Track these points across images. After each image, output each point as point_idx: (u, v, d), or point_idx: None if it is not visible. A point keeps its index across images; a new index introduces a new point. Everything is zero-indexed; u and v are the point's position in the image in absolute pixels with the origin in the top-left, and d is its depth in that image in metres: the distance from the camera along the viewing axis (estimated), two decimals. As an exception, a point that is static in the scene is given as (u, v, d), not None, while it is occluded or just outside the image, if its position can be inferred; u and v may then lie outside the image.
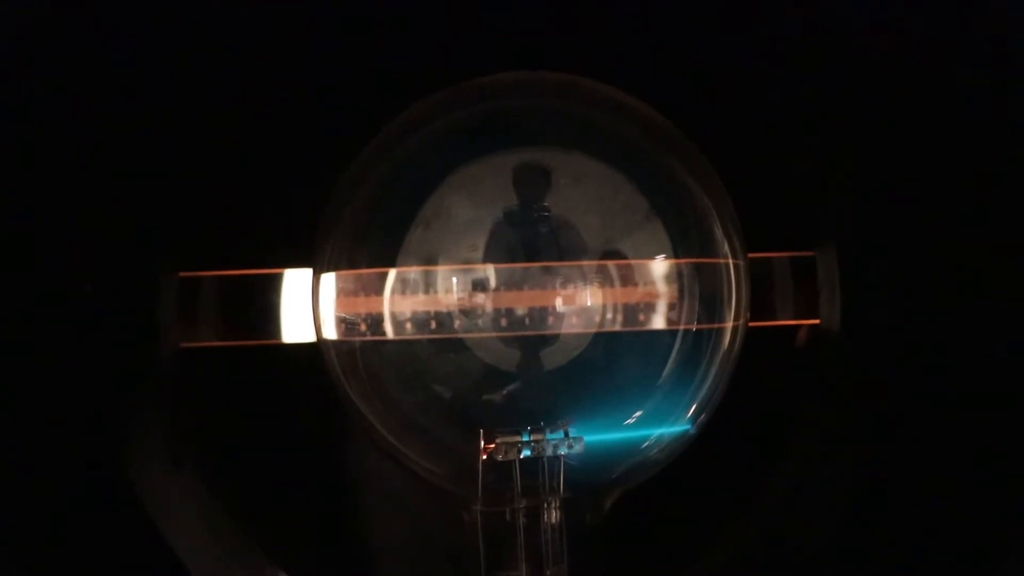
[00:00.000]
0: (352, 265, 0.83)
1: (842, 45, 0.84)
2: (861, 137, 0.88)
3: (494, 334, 0.79)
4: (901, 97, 0.84)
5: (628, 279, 0.80)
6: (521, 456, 0.78)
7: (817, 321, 0.93)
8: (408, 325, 0.80)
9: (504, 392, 0.80)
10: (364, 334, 0.82)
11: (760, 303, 0.91)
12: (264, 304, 0.91)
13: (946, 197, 0.85)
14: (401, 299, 0.80)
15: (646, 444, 0.83)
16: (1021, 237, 0.80)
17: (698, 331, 0.82)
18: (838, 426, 0.93)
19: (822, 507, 0.92)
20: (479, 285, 0.79)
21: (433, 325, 0.80)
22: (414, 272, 0.80)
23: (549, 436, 0.78)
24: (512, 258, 0.79)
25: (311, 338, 0.87)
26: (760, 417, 0.91)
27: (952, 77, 0.80)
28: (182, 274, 0.91)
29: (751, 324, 0.87)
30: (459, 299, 0.79)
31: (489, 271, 0.79)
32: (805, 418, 0.94)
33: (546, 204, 0.79)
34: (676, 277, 0.81)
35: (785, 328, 0.94)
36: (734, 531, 0.93)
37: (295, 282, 0.91)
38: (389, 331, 0.81)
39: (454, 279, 0.79)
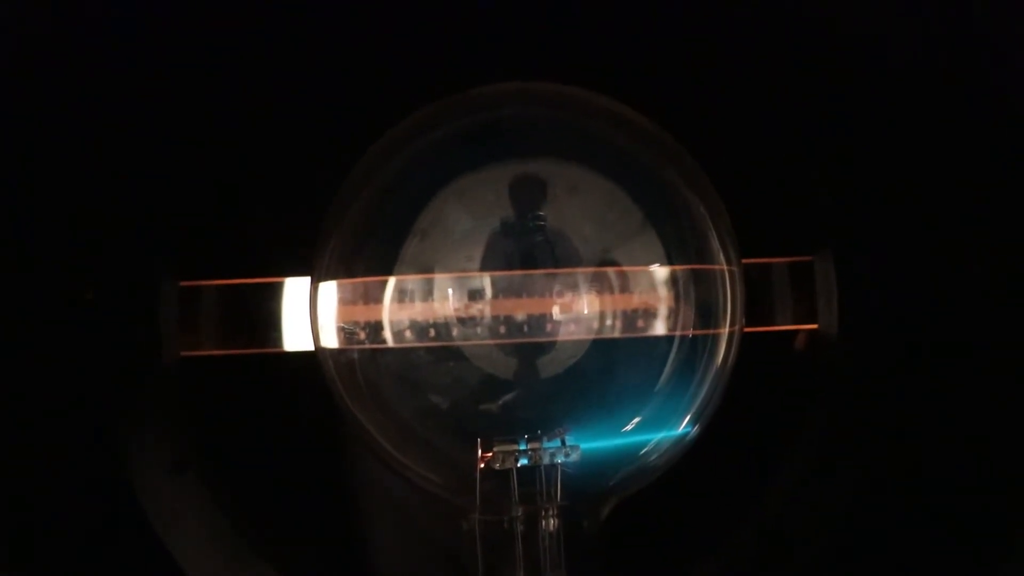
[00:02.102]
0: (350, 274, 0.83)
1: (838, 50, 0.84)
2: (858, 142, 0.88)
3: (492, 341, 0.79)
4: (898, 101, 0.84)
5: (624, 286, 0.80)
6: (518, 465, 0.78)
7: (815, 326, 0.93)
8: (406, 334, 0.80)
9: (501, 401, 0.80)
10: (362, 343, 0.82)
11: (758, 308, 0.91)
12: (264, 313, 0.92)
13: (943, 201, 0.85)
14: (399, 308, 0.81)
15: (643, 451, 0.83)
16: (1018, 240, 0.80)
17: (694, 337, 0.82)
18: (837, 430, 0.93)
19: (821, 512, 0.92)
20: (477, 293, 0.79)
21: (432, 334, 0.80)
22: (412, 281, 0.80)
23: (546, 444, 0.78)
24: (509, 267, 0.79)
25: (311, 346, 0.87)
26: (759, 422, 0.91)
27: (949, 80, 0.80)
28: (182, 283, 0.91)
29: (750, 329, 0.87)
30: (456, 308, 0.79)
31: (487, 279, 0.79)
32: (804, 422, 0.94)
33: (542, 213, 0.79)
34: (672, 284, 0.81)
35: (783, 333, 0.94)
36: (732, 537, 0.93)
37: (296, 291, 0.91)
38: (387, 340, 0.81)
39: (451, 288, 0.80)
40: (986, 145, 0.80)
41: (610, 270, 0.80)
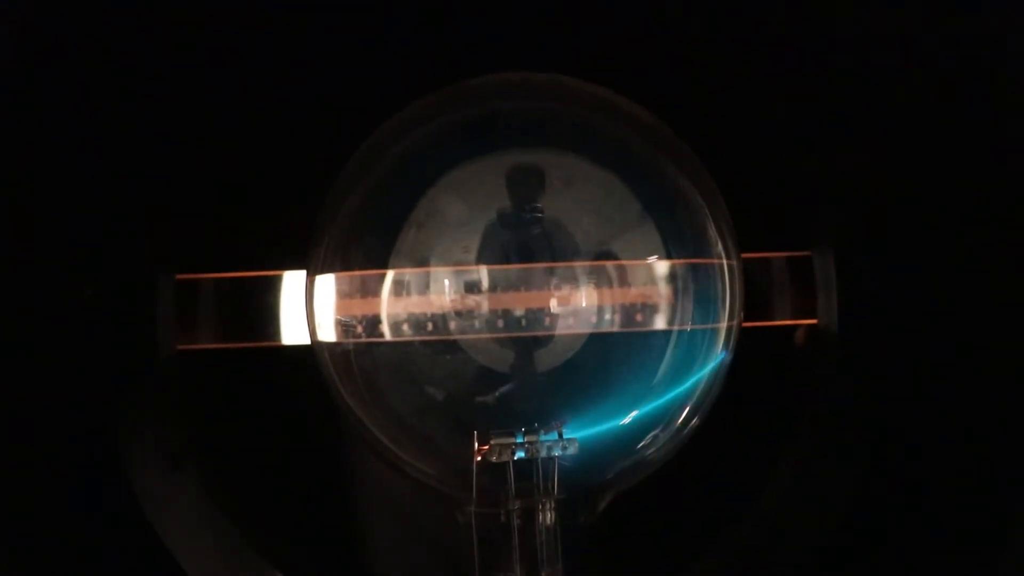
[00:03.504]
0: (346, 267, 0.83)
1: (837, 47, 0.84)
2: (858, 138, 0.88)
3: (489, 335, 0.79)
4: (898, 98, 0.84)
5: (622, 280, 0.80)
6: (515, 458, 0.78)
7: (815, 321, 0.93)
8: (403, 327, 0.80)
9: (498, 394, 0.80)
10: (358, 336, 0.82)
11: (758, 303, 0.91)
12: (261, 306, 0.92)
13: (942, 197, 0.85)
14: (396, 301, 0.80)
15: (640, 445, 0.83)
16: (1017, 236, 0.80)
17: (692, 331, 0.82)
18: (835, 425, 0.93)
19: (820, 506, 0.92)
20: (474, 286, 0.79)
21: (429, 327, 0.80)
22: (409, 274, 0.80)
23: (543, 438, 0.78)
24: (506, 260, 0.79)
25: (308, 340, 0.87)
26: (757, 417, 0.91)
27: (948, 78, 0.80)
28: (179, 276, 0.91)
29: (748, 324, 0.87)
30: (453, 300, 0.79)
31: (485, 272, 0.79)
32: (802, 417, 0.94)
33: (539, 205, 0.79)
34: (670, 278, 0.81)
35: (783, 328, 0.94)
36: (731, 531, 0.93)
37: (294, 284, 0.91)
38: (383, 333, 0.81)
39: (448, 280, 0.79)
40: (986, 144, 0.80)
41: (608, 263, 0.80)
